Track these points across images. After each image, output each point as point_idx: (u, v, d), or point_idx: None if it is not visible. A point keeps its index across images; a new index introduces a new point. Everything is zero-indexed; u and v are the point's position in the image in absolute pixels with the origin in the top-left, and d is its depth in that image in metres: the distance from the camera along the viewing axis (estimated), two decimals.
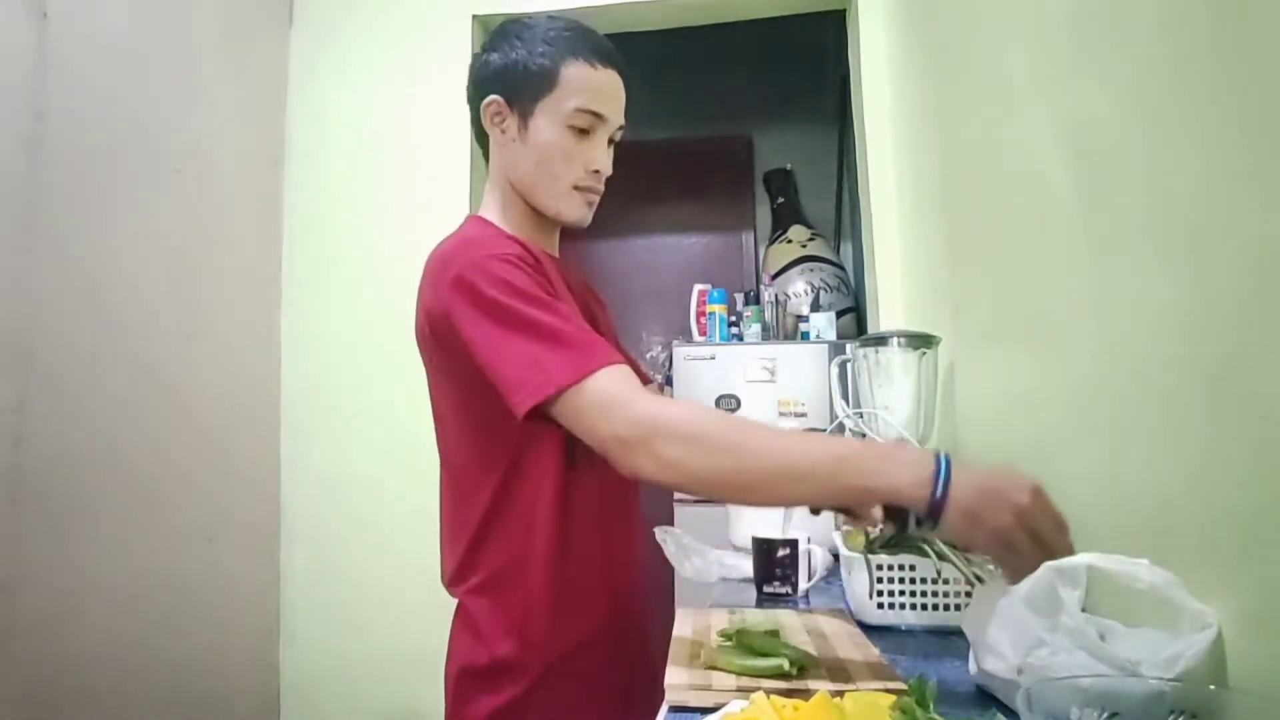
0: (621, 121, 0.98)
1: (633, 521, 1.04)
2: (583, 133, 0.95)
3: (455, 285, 0.85)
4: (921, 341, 1.33)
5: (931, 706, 0.55)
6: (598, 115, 0.94)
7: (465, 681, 0.92)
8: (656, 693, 1.00)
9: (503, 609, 0.91)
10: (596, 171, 0.96)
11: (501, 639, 0.91)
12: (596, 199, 0.99)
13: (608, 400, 0.78)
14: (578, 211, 0.98)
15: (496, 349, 0.82)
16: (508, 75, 0.95)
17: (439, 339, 0.88)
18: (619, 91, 0.97)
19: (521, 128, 0.96)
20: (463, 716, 0.92)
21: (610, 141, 0.98)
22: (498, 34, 0.99)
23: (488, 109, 0.97)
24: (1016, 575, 0.64)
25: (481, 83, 0.98)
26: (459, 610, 0.95)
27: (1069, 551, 0.65)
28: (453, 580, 0.95)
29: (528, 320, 0.82)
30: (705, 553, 1.17)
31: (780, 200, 3.28)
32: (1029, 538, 0.65)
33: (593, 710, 0.92)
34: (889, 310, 1.99)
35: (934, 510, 0.67)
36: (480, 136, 1.03)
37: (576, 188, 0.96)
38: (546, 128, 0.94)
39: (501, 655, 0.90)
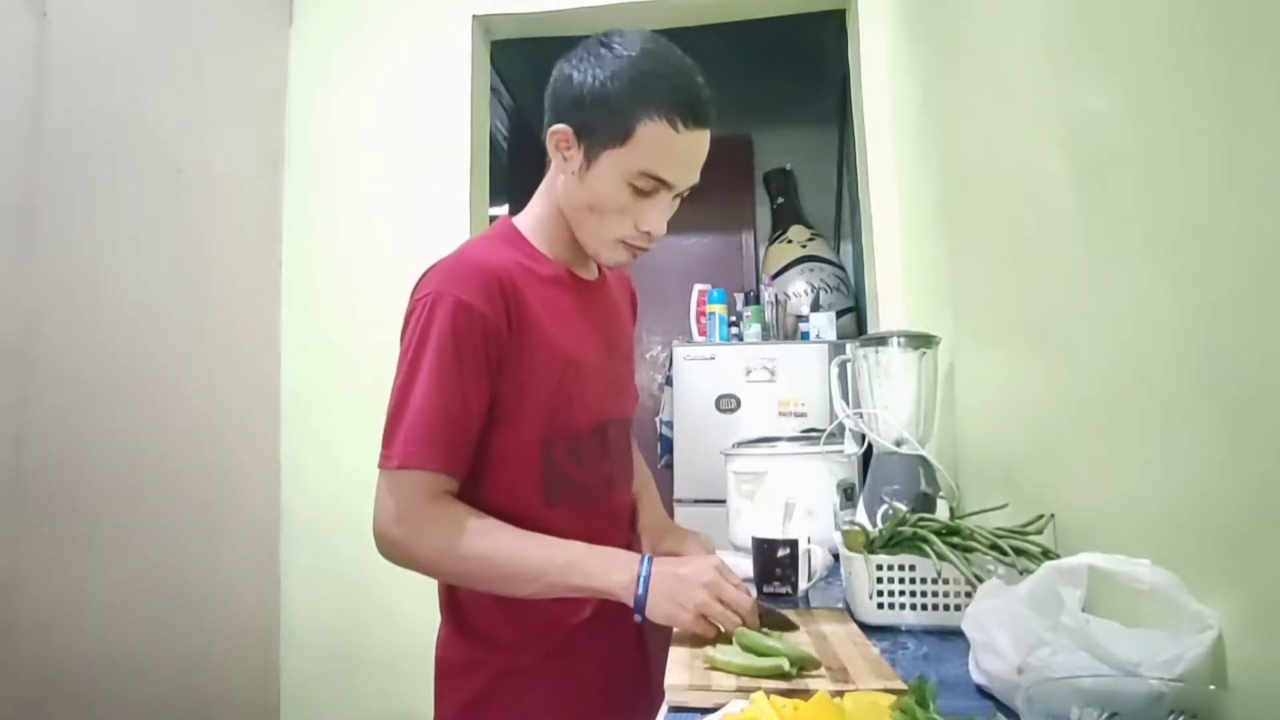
0: (694, 182, 0.93)
1: (622, 534, 1.05)
2: (644, 193, 0.89)
3: (418, 302, 0.89)
4: (921, 341, 1.33)
5: (931, 706, 0.55)
6: (663, 181, 0.89)
7: (443, 673, 0.97)
8: (646, 692, 1.01)
9: (477, 608, 0.94)
10: (648, 232, 0.92)
11: (474, 635, 0.95)
12: (643, 252, 0.96)
13: (392, 501, 0.85)
14: (618, 260, 0.96)
15: (403, 384, 0.87)
16: (582, 108, 0.88)
17: None
18: (699, 153, 0.90)
19: (584, 166, 0.90)
20: (442, 706, 0.96)
21: (677, 195, 0.93)
22: (587, 51, 0.90)
23: (554, 136, 0.91)
24: (719, 636, 0.81)
25: (556, 102, 0.92)
26: (441, 605, 0.98)
27: (753, 608, 0.84)
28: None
29: (421, 381, 0.86)
30: None
31: (780, 200, 3.29)
32: (720, 606, 0.82)
33: (562, 705, 0.93)
34: (889, 310, 1.99)
35: (639, 605, 0.83)
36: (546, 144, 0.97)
37: (623, 242, 0.93)
38: (607, 180, 0.89)
39: (472, 649, 0.95)
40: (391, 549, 0.87)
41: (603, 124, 0.88)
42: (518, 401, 0.90)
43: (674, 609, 0.82)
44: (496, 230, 1.01)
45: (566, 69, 0.91)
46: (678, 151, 0.88)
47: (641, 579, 0.84)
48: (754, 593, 0.96)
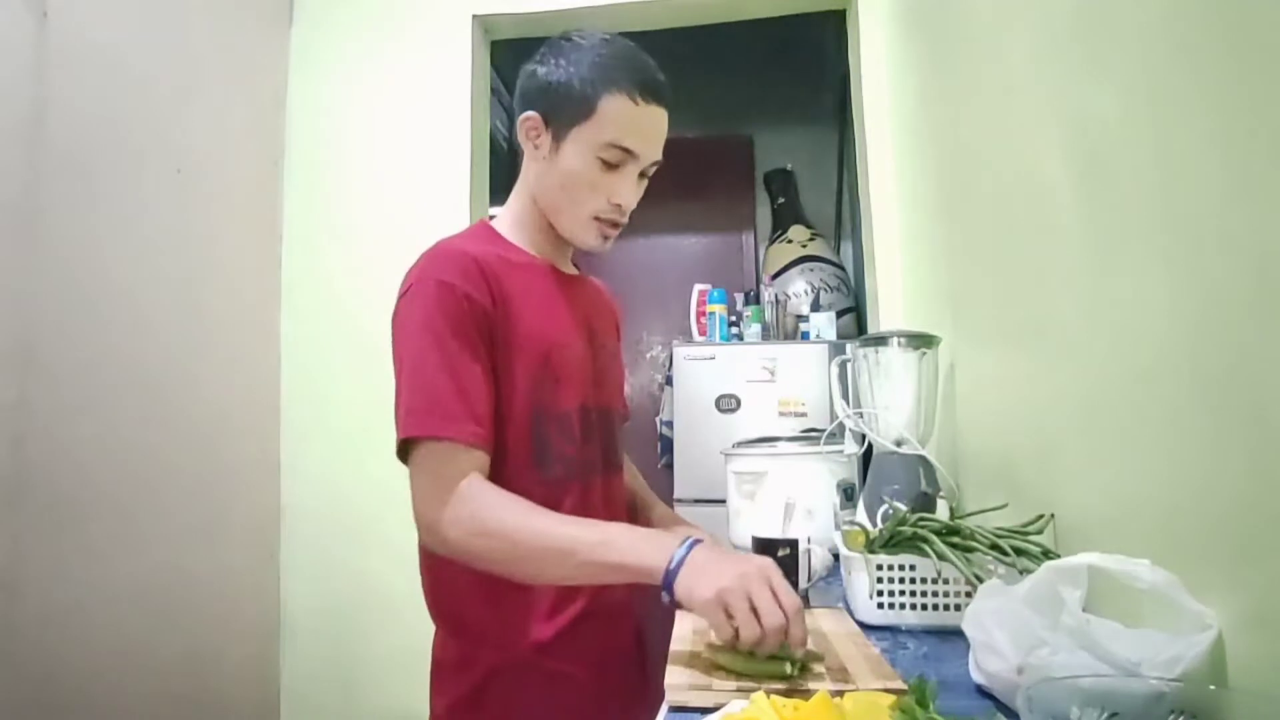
0: (657, 158, 0.99)
1: (620, 517, 1.06)
2: (611, 166, 0.95)
3: (402, 296, 0.92)
4: (921, 341, 1.33)
5: (931, 706, 0.55)
6: (628, 151, 0.95)
7: (437, 672, 0.98)
8: (643, 693, 1.02)
9: (465, 606, 0.94)
10: (619, 205, 0.97)
11: (465, 633, 0.95)
12: (615, 231, 1.00)
13: (423, 474, 0.86)
14: (593, 241, 1.00)
15: (399, 373, 0.89)
16: (548, 94, 0.96)
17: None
18: (658, 128, 0.97)
19: (553, 149, 0.96)
20: (435, 705, 0.97)
21: (643, 175, 0.99)
22: (549, 47, 0.99)
23: (524, 124, 0.98)
24: (729, 637, 0.72)
25: (524, 95, 0.99)
26: (429, 607, 0.98)
27: (781, 628, 0.70)
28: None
29: (411, 360, 0.88)
30: None
31: (780, 200, 3.29)
32: (747, 604, 0.71)
33: (554, 704, 0.93)
34: (889, 310, 1.99)
35: (669, 577, 0.75)
36: (519, 143, 1.03)
37: (597, 218, 0.97)
38: (576, 155, 0.95)
39: (463, 648, 0.95)
40: (426, 537, 0.87)
41: (568, 104, 0.94)
42: (505, 380, 0.92)
43: (697, 584, 0.74)
44: (472, 230, 1.05)
45: (530, 66, 0.99)
46: (639, 122, 0.95)
47: (678, 556, 0.77)
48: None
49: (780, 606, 0.71)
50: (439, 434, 0.85)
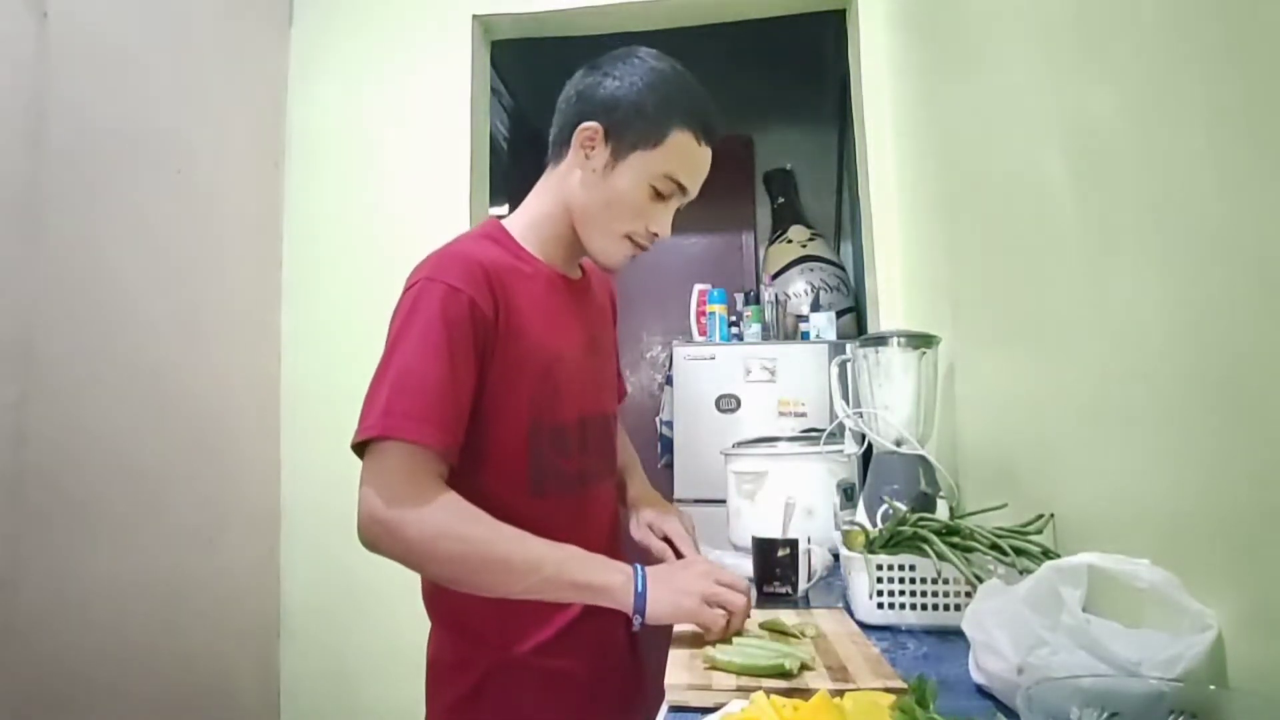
0: (695, 195, 1.00)
1: (605, 528, 1.05)
2: (660, 196, 0.96)
3: (406, 292, 0.91)
4: (921, 341, 1.33)
5: (931, 706, 0.55)
6: (681, 186, 0.97)
7: (435, 673, 0.98)
8: (639, 691, 1.02)
9: (465, 606, 0.93)
10: (656, 234, 0.98)
11: (463, 633, 0.96)
12: (640, 253, 1.01)
13: (380, 481, 0.85)
14: (617, 259, 1.00)
15: (384, 367, 0.88)
16: (616, 110, 0.94)
17: None
18: (706, 168, 0.99)
19: (608, 164, 0.95)
20: (433, 706, 0.97)
21: (677, 208, 1.01)
22: (621, 60, 0.97)
23: (583, 132, 0.96)
24: (720, 627, 0.82)
25: (587, 102, 0.97)
26: (428, 608, 0.99)
27: (745, 605, 0.84)
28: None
29: (405, 357, 0.86)
30: (705, 553, 1.17)
31: (780, 200, 3.28)
32: (711, 605, 0.83)
33: (552, 703, 0.94)
34: (889, 310, 1.98)
35: (639, 603, 0.83)
36: (556, 143, 1.01)
37: (629, 238, 0.98)
38: (631, 177, 0.94)
39: (461, 648, 0.95)
40: (379, 532, 0.84)
41: (636, 126, 0.93)
42: (504, 391, 0.91)
43: (678, 597, 0.84)
44: (483, 230, 1.03)
45: (597, 75, 0.97)
46: (697, 162, 0.97)
47: (639, 578, 0.85)
48: (754, 593, 0.96)
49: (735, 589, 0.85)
50: (420, 439, 0.84)
